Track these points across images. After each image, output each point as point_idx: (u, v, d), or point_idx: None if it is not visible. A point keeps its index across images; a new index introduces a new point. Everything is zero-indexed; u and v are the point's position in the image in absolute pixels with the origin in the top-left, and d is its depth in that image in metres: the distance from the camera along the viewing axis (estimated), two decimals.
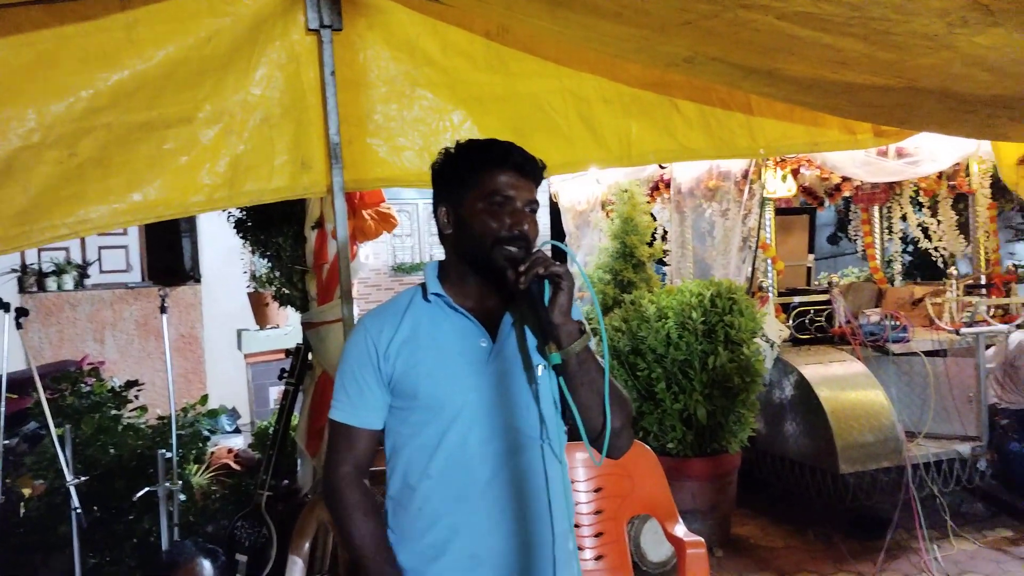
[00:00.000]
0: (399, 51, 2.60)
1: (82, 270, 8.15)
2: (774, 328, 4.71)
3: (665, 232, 6.49)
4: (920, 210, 6.75)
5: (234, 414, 7.14)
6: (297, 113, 2.46)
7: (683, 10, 2.09)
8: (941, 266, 6.14)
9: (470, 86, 2.72)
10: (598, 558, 2.74)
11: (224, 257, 8.62)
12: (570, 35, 2.58)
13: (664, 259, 6.40)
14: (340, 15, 2.42)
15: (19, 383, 5.24)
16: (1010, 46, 2.03)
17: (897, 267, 7.06)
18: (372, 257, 10.30)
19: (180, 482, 3.23)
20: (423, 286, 1.64)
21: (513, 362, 1.56)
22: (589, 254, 6.84)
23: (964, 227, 6.22)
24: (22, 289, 7.78)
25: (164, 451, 3.17)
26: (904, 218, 6.65)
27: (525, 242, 1.51)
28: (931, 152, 5.07)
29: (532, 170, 1.58)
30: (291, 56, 2.43)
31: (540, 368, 1.57)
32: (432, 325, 1.59)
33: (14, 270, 7.78)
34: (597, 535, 2.78)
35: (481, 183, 1.54)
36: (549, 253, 1.52)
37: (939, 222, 6.22)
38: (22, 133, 2.08)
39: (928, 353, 4.80)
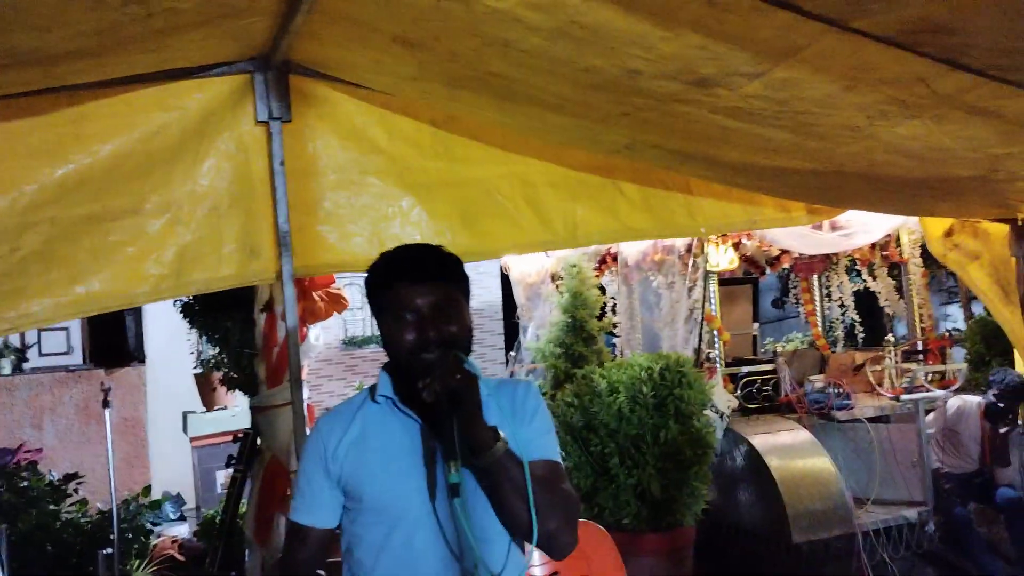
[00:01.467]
0: (347, 140, 2.65)
1: (20, 354, 7.90)
2: (723, 399, 4.78)
3: (615, 304, 6.59)
4: (858, 276, 6.99)
5: (179, 500, 6.90)
6: (246, 202, 2.48)
7: (621, 103, 2.20)
8: (873, 332, 6.34)
9: (417, 173, 2.77)
10: None
11: (169, 337, 8.41)
12: (516, 124, 2.68)
13: (614, 331, 6.48)
14: (289, 107, 2.46)
15: None
16: (927, 135, 2.16)
17: (839, 333, 7.25)
18: (323, 335, 10.20)
19: None
20: (373, 388, 1.66)
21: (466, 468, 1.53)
22: (540, 326, 6.88)
23: (899, 292, 6.46)
24: None
25: (106, 549, 3.05)
26: (840, 287, 6.87)
27: (439, 345, 1.51)
28: (863, 224, 5.29)
29: (431, 272, 1.58)
30: (240, 147, 2.46)
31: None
32: (380, 426, 1.60)
33: None
34: None
35: (386, 303, 1.58)
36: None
37: (878, 291, 6.44)
38: None
39: (871, 419, 4.91)
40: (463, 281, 1.64)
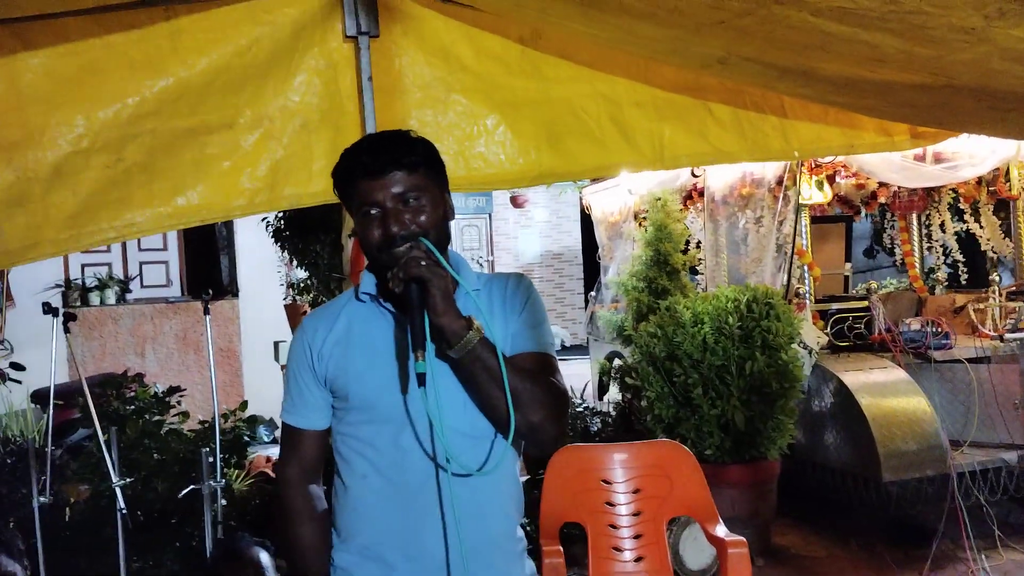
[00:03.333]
0: (434, 57, 2.64)
1: (124, 285, 8.33)
2: (811, 334, 4.66)
3: (699, 242, 6.46)
4: (960, 218, 6.63)
5: (271, 425, 7.22)
6: (335, 119, 2.51)
7: (716, 8, 2.10)
8: (975, 276, 6.03)
9: (504, 91, 2.74)
10: (637, 559, 2.73)
11: (261, 272, 8.76)
12: (604, 37, 2.60)
13: (697, 267, 6.38)
14: (377, 22, 2.46)
15: (65, 394, 5.36)
16: None
17: (940, 275, 6.93)
18: None
19: (223, 480, 3.27)
20: (358, 286, 1.63)
21: (445, 362, 1.50)
22: (623, 264, 6.83)
23: (1006, 236, 6.10)
24: (66, 303, 7.97)
25: (207, 449, 3.21)
26: (943, 227, 6.54)
27: (408, 239, 1.46)
28: (970, 156, 5.00)
29: (388, 163, 1.48)
30: (329, 63, 2.48)
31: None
32: (364, 325, 1.58)
33: (58, 285, 7.99)
34: (636, 537, 2.76)
35: (352, 199, 1.53)
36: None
37: (982, 227, 6.11)
38: (71, 139, 2.14)
39: (971, 360, 4.71)
40: (432, 167, 1.56)
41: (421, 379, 1.37)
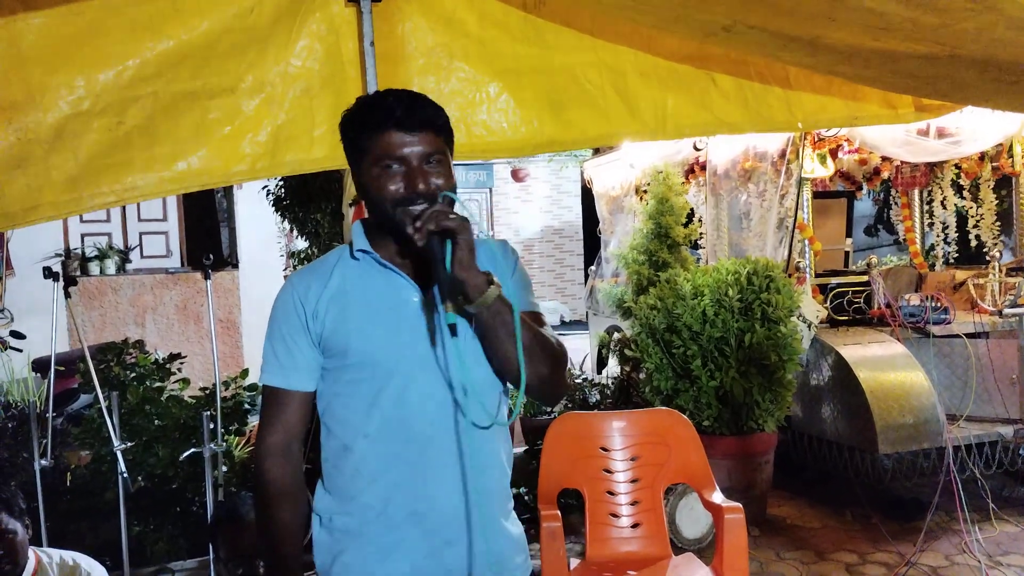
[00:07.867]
0: (437, 23, 2.62)
1: (124, 255, 8.32)
2: (811, 308, 4.67)
3: (700, 218, 6.45)
4: (960, 193, 6.60)
5: None
6: (337, 84, 2.49)
7: None
8: (981, 251, 6.03)
9: (506, 59, 2.73)
10: (634, 526, 2.75)
11: (261, 244, 8.77)
12: (608, 3, 2.58)
13: (698, 242, 6.37)
14: None
15: (65, 362, 5.38)
16: None
17: (939, 253, 6.92)
18: None
19: (224, 444, 3.28)
20: (351, 244, 1.61)
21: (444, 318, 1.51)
22: (624, 238, 6.82)
23: (1007, 213, 6.08)
24: (65, 273, 7.95)
25: (209, 412, 3.22)
26: (944, 203, 6.52)
27: (427, 199, 1.46)
28: (973, 131, 4.98)
29: (422, 121, 1.49)
30: (331, 28, 2.46)
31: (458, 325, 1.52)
32: (361, 281, 1.56)
33: (58, 254, 7.98)
34: (633, 503, 2.79)
35: (371, 148, 1.49)
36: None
37: (978, 206, 6.09)
38: (72, 100, 2.13)
39: (969, 335, 4.72)
40: (450, 133, 1.57)
41: (453, 329, 1.37)
